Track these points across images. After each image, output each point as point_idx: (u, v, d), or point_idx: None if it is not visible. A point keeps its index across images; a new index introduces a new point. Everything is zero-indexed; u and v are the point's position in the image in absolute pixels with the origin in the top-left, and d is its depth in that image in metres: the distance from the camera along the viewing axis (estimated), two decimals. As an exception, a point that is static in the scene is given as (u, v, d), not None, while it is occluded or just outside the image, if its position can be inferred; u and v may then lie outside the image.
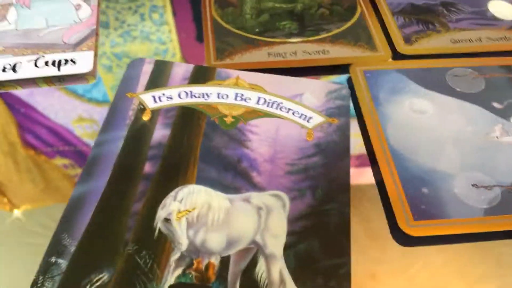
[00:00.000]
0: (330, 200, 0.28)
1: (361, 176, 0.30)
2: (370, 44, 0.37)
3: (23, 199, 0.27)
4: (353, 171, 0.30)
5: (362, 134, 0.32)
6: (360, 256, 0.26)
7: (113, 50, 0.38)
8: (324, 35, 0.38)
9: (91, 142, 0.32)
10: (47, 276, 0.25)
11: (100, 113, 0.34)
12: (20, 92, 0.34)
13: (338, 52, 0.37)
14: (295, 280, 0.25)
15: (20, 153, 0.30)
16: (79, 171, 0.30)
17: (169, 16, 0.41)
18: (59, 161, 0.31)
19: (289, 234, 0.27)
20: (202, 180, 0.29)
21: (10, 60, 0.35)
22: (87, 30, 0.38)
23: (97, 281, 0.24)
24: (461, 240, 0.27)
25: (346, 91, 0.34)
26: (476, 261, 0.26)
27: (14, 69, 0.35)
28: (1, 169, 0.30)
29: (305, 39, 0.38)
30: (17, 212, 0.28)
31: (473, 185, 0.29)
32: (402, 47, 0.37)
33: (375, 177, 0.30)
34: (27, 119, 0.32)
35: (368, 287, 0.26)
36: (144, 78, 0.34)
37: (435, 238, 0.27)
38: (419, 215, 0.27)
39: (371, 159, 0.31)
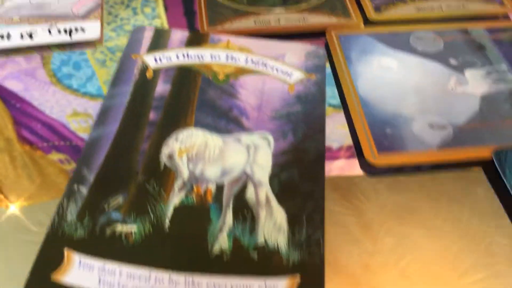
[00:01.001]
0: (308, 139, 0.33)
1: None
2: (344, 12, 0.42)
3: (19, 195, 0.27)
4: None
5: (337, 88, 0.37)
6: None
7: (106, 44, 0.39)
8: (304, 5, 0.43)
9: (86, 136, 0.32)
10: (70, 200, 0.29)
11: (94, 107, 0.34)
12: (16, 87, 0.34)
13: (316, 20, 0.42)
14: (279, 201, 0.30)
15: (16, 148, 0.30)
16: (74, 166, 0.31)
17: (161, 10, 0.43)
18: (55, 156, 0.32)
19: (274, 166, 0.32)
20: (199, 125, 0.34)
21: (27, 28, 0.39)
22: (93, 3, 0.42)
23: (114, 202, 0.29)
24: (418, 171, 0.33)
25: (322, 52, 0.39)
26: (466, 251, 0.25)
27: (31, 36, 0.39)
28: (-3, 165, 0.30)
29: (288, 8, 0.43)
30: (13, 208, 0.27)
31: (429, 125, 0.34)
32: (372, 15, 0.42)
33: (348, 122, 0.35)
34: (22, 114, 0.32)
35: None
36: (146, 42, 0.39)
37: (397, 170, 0.32)
38: (383, 149, 0.33)
39: (344, 107, 0.36)
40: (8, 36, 0.39)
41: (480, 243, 0.26)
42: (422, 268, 0.25)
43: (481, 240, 0.26)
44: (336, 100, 0.35)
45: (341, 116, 0.34)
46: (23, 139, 0.31)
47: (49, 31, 0.40)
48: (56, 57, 0.36)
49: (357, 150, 0.34)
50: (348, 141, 0.32)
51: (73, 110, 0.34)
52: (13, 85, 0.34)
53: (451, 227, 0.26)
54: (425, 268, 0.24)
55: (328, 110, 0.36)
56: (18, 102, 0.33)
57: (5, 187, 0.28)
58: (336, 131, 0.32)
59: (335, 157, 0.32)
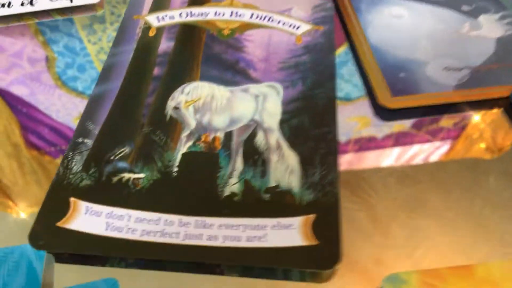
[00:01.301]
0: (318, 86, 0.32)
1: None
2: (350, -34, 0.41)
3: (29, 202, 0.26)
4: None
5: (346, 36, 0.36)
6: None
7: (109, 45, 0.37)
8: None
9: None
10: (75, 152, 0.28)
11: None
12: (21, 92, 0.33)
13: (321, -26, 0.40)
14: (290, 145, 0.29)
15: (24, 154, 0.29)
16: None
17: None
18: None
19: (283, 113, 0.30)
20: (205, 78, 0.33)
21: (27, -5, 0.39)
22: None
23: (120, 153, 0.28)
24: (435, 112, 0.31)
25: (330, 5, 0.38)
26: (480, 242, 0.24)
27: (31, 3, 0.38)
28: (5, 171, 0.29)
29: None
30: (23, 215, 0.27)
31: (444, 68, 0.33)
32: (379, -33, 0.41)
33: (359, 69, 0.34)
34: (29, 119, 0.32)
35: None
36: (147, 4, 0.38)
37: (412, 112, 0.31)
38: (397, 92, 0.31)
39: (355, 56, 0.35)
40: (9, 4, 0.39)
41: (494, 234, 0.25)
42: (436, 260, 0.24)
43: (495, 230, 0.25)
44: (343, 93, 0.33)
45: (348, 109, 0.32)
46: (30, 145, 0.30)
47: (50, -2, 0.39)
48: (61, 60, 0.35)
49: (371, 99, 0.32)
50: (356, 134, 0.30)
51: (79, 113, 0.33)
52: (19, 90, 0.34)
53: (464, 218, 0.25)
54: (438, 260, 0.24)
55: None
56: (24, 107, 0.33)
57: (14, 194, 0.28)
58: (343, 125, 0.30)
59: (343, 151, 0.30)
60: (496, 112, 0.31)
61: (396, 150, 0.29)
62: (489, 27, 0.36)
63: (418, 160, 0.29)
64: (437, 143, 0.30)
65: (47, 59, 0.36)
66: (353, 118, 0.31)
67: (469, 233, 0.25)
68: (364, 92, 0.32)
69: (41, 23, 0.38)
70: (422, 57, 0.34)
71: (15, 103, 0.33)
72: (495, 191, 0.27)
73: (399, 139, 0.30)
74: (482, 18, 0.37)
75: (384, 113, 0.31)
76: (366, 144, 0.30)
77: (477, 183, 0.27)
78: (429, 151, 0.29)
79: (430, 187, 0.27)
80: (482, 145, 0.29)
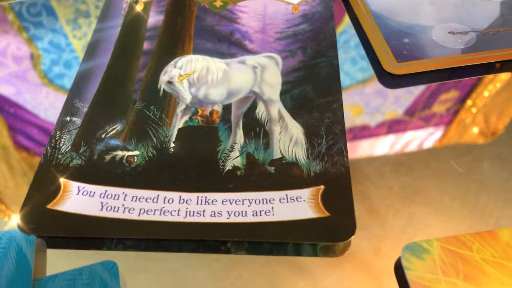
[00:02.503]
0: (320, 55, 0.30)
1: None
2: None
3: (20, 204, 0.23)
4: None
5: (345, 6, 0.35)
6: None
7: None
8: None
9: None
10: (63, 131, 0.26)
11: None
12: (8, 91, 0.32)
13: None
14: (293, 115, 0.27)
15: (14, 156, 0.28)
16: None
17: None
18: None
19: (284, 84, 0.29)
20: (199, 51, 0.31)
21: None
22: None
23: (111, 130, 0.26)
24: (442, 77, 0.30)
25: (326, -27, 0.36)
26: (476, 228, 0.24)
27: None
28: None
29: None
30: (15, 218, 0.24)
31: (449, 32, 0.31)
32: None
33: (360, 37, 0.32)
34: (17, 120, 0.30)
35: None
36: (134, -23, 0.36)
37: (419, 77, 0.30)
38: (402, 58, 0.30)
39: (355, 24, 0.33)
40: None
41: (490, 218, 0.24)
42: None
43: (490, 215, 0.24)
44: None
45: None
46: (19, 146, 0.29)
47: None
48: (46, 57, 0.33)
49: (375, 67, 0.31)
50: (350, 123, 0.29)
51: None
52: (5, 90, 0.31)
53: (459, 204, 0.25)
54: None
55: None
56: (11, 107, 0.31)
57: (5, 197, 0.26)
58: None
59: None
60: (507, 76, 0.30)
61: (390, 138, 0.28)
62: (493, -10, 0.34)
63: (412, 148, 0.28)
64: (430, 129, 0.28)
65: (32, 57, 0.34)
66: (346, 107, 0.30)
67: (465, 219, 0.24)
68: (356, 80, 0.31)
69: (24, 19, 0.36)
70: (426, 22, 0.32)
71: (1, 103, 0.31)
72: (490, 176, 0.26)
73: (392, 127, 0.29)
74: (485, -19, 0.35)
75: (389, 80, 0.30)
76: (359, 133, 0.29)
77: (472, 168, 0.26)
78: (422, 138, 0.28)
79: (425, 174, 0.26)
80: (475, 130, 0.28)
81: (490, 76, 0.30)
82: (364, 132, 0.29)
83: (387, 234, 0.24)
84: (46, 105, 0.31)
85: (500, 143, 0.28)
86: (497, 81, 0.30)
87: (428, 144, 0.28)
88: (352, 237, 0.22)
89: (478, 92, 0.30)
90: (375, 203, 0.25)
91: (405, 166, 0.27)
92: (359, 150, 0.28)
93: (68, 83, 0.31)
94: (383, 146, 0.28)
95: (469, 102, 0.29)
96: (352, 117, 0.29)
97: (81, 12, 0.36)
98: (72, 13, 0.36)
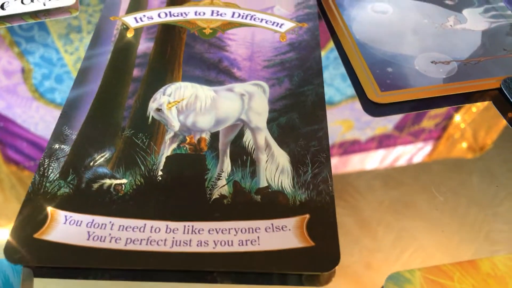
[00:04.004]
0: (306, 83, 0.31)
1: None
2: (331, -36, 0.41)
3: (9, 218, 0.23)
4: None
5: (331, 34, 0.35)
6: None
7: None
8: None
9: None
10: (52, 159, 0.27)
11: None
12: None
13: (303, -28, 0.40)
14: (280, 144, 0.27)
15: (3, 170, 0.28)
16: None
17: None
18: None
19: (271, 111, 0.29)
20: (188, 79, 0.31)
21: (-3, -2, 0.37)
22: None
23: (100, 158, 0.27)
24: (424, 107, 0.31)
25: (312, 2, 0.37)
26: (467, 241, 0.24)
27: (2, 7, 0.37)
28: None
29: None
30: (4, 232, 0.24)
31: (432, 62, 0.32)
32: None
33: (345, 65, 0.33)
34: (6, 133, 0.30)
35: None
36: (124, 4, 0.37)
37: (402, 106, 0.30)
38: (386, 87, 0.30)
39: (341, 53, 0.34)
40: (-23, 8, 0.37)
41: (480, 232, 0.25)
42: (425, 261, 0.23)
43: (480, 229, 0.25)
44: (326, 97, 0.31)
45: (331, 113, 0.30)
46: (8, 159, 0.29)
47: (22, 1, 0.37)
48: (37, 71, 0.34)
49: (360, 95, 0.31)
50: (340, 138, 0.30)
51: None
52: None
53: (449, 218, 0.25)
54: (427, 261, 0.23)
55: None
56: (1, 120, 0.31)
57: None
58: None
59: None
60: (485, 104, 0.31)
61: (380, 153, 0.29)
62: (474, 20, 0.35)
63: (401, 162, 0.28)
64: (419, 144, 0.29)
65: (23, 71, 0.34)
66: (336, 122, 0.31)
67: (455, 233, 0.25)
68: (346, 95, 0.32)
69: (16, 33, 0.36)
70: (408, 51, 0.33)
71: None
72: (479, 190, 0.27)
73: (382, 142, 0.29)
74: (466, 11, 0.36)
75: (373, 109, 0.31)
76: (350, 147, 0.29)
77: (461, 183, 0.27)
78: (412, 153, 0.29)
79: (415, 188, 0.27)
80: (464, 145, 0.29)
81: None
82: (355, 147, 0.29)
83: (377, 247, 0.24)
84: (37, 119, 0.31)
85: (488, 158, 0.28)
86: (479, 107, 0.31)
87: (417, 159, 0.28)
88: (342, 249, 0.22)
89: (467, 108, 0.30)
90: (365, 216, 0.25)
91: (395, 180, 0.27)
92: (350, 164, 0.28)
93: (59, 97, 0.32)
94: (374, 160, 0.28)
95: (457, 117, 0.30)
96: (343, 132, 0.30)
97: (73, 27, 0.37)
98: (64, 28, 0.37)
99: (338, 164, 0.28)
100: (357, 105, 0.31)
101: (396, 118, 0.30)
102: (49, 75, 0.34)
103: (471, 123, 0.30)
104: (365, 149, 0.29)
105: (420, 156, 0.29)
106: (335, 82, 0.32)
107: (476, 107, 0.31)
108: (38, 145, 0.30)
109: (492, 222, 0.25)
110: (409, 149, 0.29)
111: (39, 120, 0.31)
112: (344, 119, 0.30)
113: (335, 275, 0.23)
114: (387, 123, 0.30)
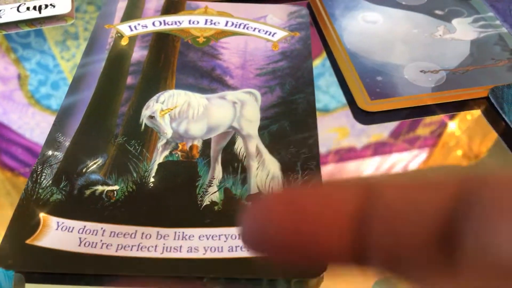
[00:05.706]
0: (297, 92, 0.31)
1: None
2: (324, -26, 0.41)
3: (2, 225, 0.23)
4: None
5: (323, 43, 0.36)
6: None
7: None
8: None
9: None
10: (45, 165, 0.27)
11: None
12: None
13: (295, -18, 0.40)
14: (270, 151, 0.28)
15: None
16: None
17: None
18: None
19: (262, 119, 0.30)
20: (181, 86, 0.32)
21: (-7, 6, 0.37)
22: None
23: (93, 165, 0.27)
24: (414, 115, 0.31)
25: (305, 11, 0.38)
26: None
27: (-4, 14, 0.37)
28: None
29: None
30: None
31: (421, 71, 0.33)
32: (352, -26, 0.41)
33: (336, 74, 0.34)
34: (1, 139, 0.30)
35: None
36: (119, 13, 0.37)
37: (391, 115, 0.31)
38: (375, 96, 0.31)
39: (332, 61, 0.35)
40: (-27, 15, 0.37)
41: None
42: None
43: None
44: (321, 104, 0.32)
45: (327, 120, 0.31)
46: (3, 165, 0.29)
47: (18, 10, 0.38)
48: (34, 77, 0.34)
49: (350, 104, 0.32)
50: (336, 145, 0.30)
51: None
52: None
53: None
54: None
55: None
56: None
57: None
58: (323, 136, 0.29)
59: (324, 163, 0.29)
60: (474, 113, 0.31)
61: (375, 160, 0.29)
62: (463, 30, 0.36)
63: (397, 170, 0.29)
64: (414, 151, 0.30)
65: (20, 77, 0.35)
66: (332, 129, 0.31)
67: None
68: (342, 103, 0.32)
69: (12, 40, 0.37)
70: (398, 60, 0.34)
71: (-14, 124, 0.31)
72: None
73: (378, 149, 0.30)
74: (455, 21, 0.37)
75: (363, 117, 0.31)
76: (345, 154, 0.30)
77: None
78: (407, 160, 0.29)
79: None
80: (459, 153, 0.29)
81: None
82: (350, 154, 0.30)
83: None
84: (32, 125, 0.31)
85: (483, 166, 0.29)
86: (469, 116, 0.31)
87: (413, 167, 0.29)
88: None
89: (455, 116, 0.31)
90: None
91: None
92: (345, 171, 0.29)
93: (54, 103, 0.32)
94: (369, 167, 0.29)
95: (452, 125, 0.31)
96: (338, 139, 0.30)
97: (69, 34, 0.37)
98: (60, 35, 0.37)
99: (334, 171, 0.29)
100: (349, 113, 0.31)
101: (388, 126, 0.31)
102: (45, 82, 0.34)
103: (462, 132, 0.31)
104: (361, 156, 0.29)
105: (415, 164, 0.29)
106: (330, 90, 0.33)
107: (464, 116, 0.31)
108: (33, 152, 0.30)
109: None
110: (404, 157, 0.29)
111: (35, 126, 0.31)
112: (340, 126, 0.31)
113: (324, 280, 0.23)
114: (382, 131, 0.30)
